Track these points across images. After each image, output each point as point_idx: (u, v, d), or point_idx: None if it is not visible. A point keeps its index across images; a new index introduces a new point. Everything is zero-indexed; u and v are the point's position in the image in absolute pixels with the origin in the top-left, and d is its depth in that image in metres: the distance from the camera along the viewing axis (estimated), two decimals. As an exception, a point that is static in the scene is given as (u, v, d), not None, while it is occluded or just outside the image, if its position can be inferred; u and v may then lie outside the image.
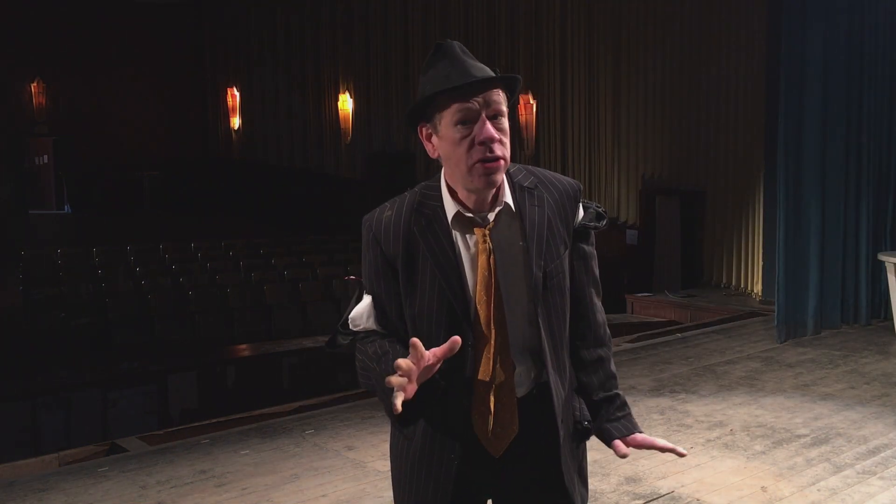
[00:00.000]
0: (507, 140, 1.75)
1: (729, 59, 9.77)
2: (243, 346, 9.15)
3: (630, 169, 11.10)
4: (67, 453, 4.98)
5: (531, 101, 12.26)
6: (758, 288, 9.32)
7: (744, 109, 9.65)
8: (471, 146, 1.70)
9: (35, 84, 18.81)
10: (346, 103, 16.47)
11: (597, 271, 1.95)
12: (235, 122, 20.10)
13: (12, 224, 16.85)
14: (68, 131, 19.29)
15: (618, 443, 1.90)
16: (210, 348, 9.02)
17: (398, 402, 1.55)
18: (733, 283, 9.92)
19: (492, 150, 1.70)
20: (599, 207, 1.94)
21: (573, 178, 1.97)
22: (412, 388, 1.59)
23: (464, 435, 1.82)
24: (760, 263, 9.25)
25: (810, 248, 7.28)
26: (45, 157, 20.28)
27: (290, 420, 5.29)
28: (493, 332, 1.78)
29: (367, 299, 1.87)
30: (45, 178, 20.35)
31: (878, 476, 4.13)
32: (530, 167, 1.90)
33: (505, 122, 1.75)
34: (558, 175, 1.91)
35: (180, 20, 20.57)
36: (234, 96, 20.05)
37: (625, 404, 1.96)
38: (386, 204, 1.88)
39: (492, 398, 1.80)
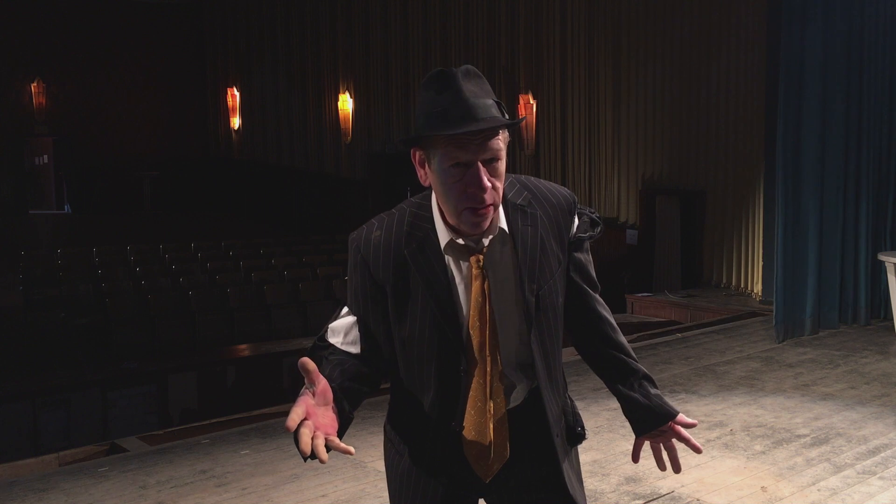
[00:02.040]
0: (500, 183, 1.69)
1: (729, 59, 9.77)
2: (243, 346, 9.15)
3: (630, 169, 11.10)
4: (67, 453, 4.97)
5: (531, 101, 12.26)
6: (758, 288, 9.31)
7: (744, 109, 9.65)
8: (462, 190, 1.66)
9: (35, 84, 18.83)
10: (346, 103, 16.48)
11: (593, 273, 1.93)
12: (235, 122, 20.11)
13: (12, 224, 16.85)
14: (68, 131, 19.31)
15: (677, 422, 1.90)
16: (210, 348, 9.02)
17: (321, 453, 1.53)
18: (733, 283, 9.92)
19: (482, 200, 1.66)
20: (594, 213, 1.91)
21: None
22: (321, 425, 1.57)
23: (454, 459, 1.81)
24: (760, 263, 9.24)
25: (809, 248, 7.28)
26: (45, 157, 20.31)
27: (290, 420, 5.28)
28: (487, 357, 1.76)
29: (350, 317, 1.82)
30: (45, 178, 20.38)
31: (878, 476, 4.13)
32: (524, 179, 1.86)
33: (501, 165, 1.69)
34: (552, 187, 1.87)
35: (180, 20, 20.59)
36: (234, 96, 20.06)
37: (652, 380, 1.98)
38: (374, 222, 1.82)
39: (490, 427, 1.78)
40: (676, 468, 1.92)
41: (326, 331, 1.82)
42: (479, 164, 1.65)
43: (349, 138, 16.54)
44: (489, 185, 1.65)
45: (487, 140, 1.65)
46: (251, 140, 19.67)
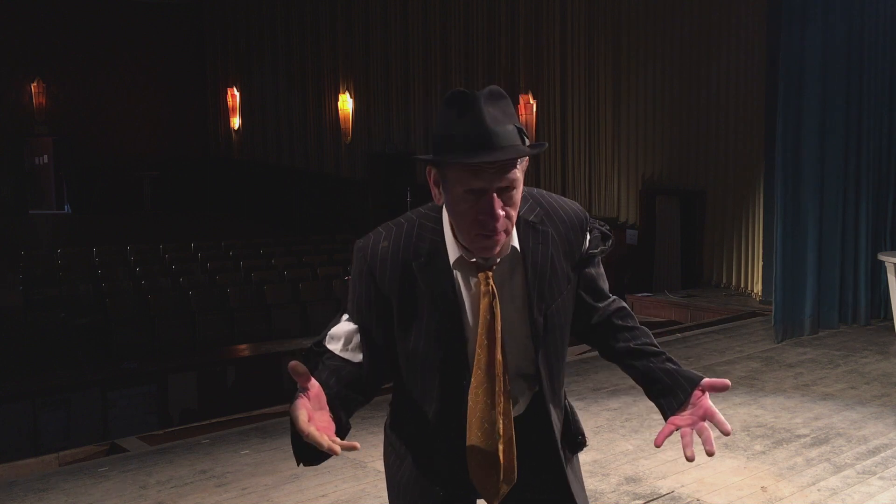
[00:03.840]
0: (514, 212, 1.66)
1: (729, 59, 9.77)
2: (243, 346, 9.15)
3: (630, 169, 11.10)
4: (67, 453, 4.97)
5: (531, 101, 12.26)
6: (758, 288, 9.31)
7: (744, 109, 9.65)
8: (475, 217, 1.63)
9: (35, 84, 18.82)
10: (346, 103, 16.48)
11: (604, 285, 1.91)
12: (235, 122, 20.10)
13: (12, 224, 16.85)
14: (68, 131, 19.31)
15: (703, 388, 1.76)
16: (210, 348, 9.02)
17: (336, 448, 1.51)
18: (733, 283, 9.92)
19: (494, 229, 1.63)
20: (604, 226, 1.89)
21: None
22: (321, 428, 1.54)
23: (454, 470, 1.80)
24: (760, 263, 9.24)
25: (808, 248, 7.28)
26: (45, 157, 20.31)
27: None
28: (497, 376, 1.73)
29: (350, 324, 1.78)
30: (45, 178, 20.37)
31: (878, 476, 4.13)
32: (536, 194, 1.83)
33: (516, 195, 1.65)
34: (564, 203, 1.85)
35: (180, 20, 20.58)
36: (234, 96, 20.05)
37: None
38: (381, 231, 1.79)
39: (500, 450, 1.75)
40: (710, 449, 1.73)
41: (325, 337, 1.79)
42: (493, 192, 1.61)
43: (349, 138, 16.54)
44: (501, 214, 1.62)
45: (504, 170, 1.61)
46: (251, 140, 19.66)
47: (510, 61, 12.66)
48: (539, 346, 1.77)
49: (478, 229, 1.64)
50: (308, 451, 1.61)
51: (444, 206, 1.74)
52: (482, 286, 1.71)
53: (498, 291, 1.72)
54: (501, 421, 1.75)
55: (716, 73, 9.90)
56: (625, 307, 1.93)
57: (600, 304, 1.90)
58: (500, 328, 1.72)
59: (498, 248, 1.68)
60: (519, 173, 1.64)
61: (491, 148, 1.58)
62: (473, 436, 1.75)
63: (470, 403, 1.74)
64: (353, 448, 1.54)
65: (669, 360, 1.84)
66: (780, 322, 7.17)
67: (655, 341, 1.89)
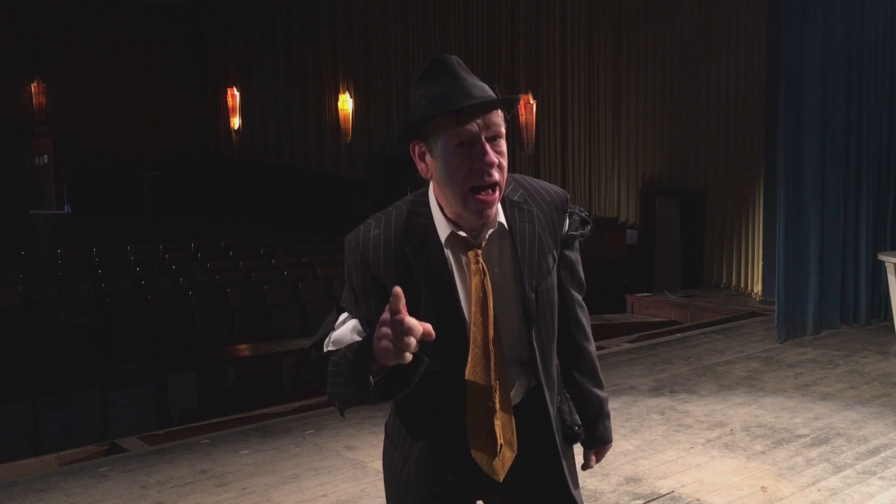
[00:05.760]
0: (504, 162, 1.70)
1: (729, 59, 9.77)
2: (243, 346, 9.15)
3: (630, 169, 11.10)
4: (67, 453, 4.98)
5: (531, 101, 12.26)
6: (758, 288, 9.31)
7: (744, 109, 9.65)
8: (469, 170, 1.66)
9: (35, 84, 18.83)
10: (346, 103, 16.48)
11: (581, 273, 1.96)
12: (235, 122, 20.11)
13: (12, 224, 16.86)
14: (68, 131, 19.32)
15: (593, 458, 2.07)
16: (210, 348, 9.02)
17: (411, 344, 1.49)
18: (733, 283, 9.92)
19: (490, 175, 1.66)
20: (583, 212, 1.93)
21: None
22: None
23: (459, 458, 1.80)
24: (760, 263, 9.24)
25: (810, 248, 7.28)
26: (45, 157, 20.33)
27: (290, 420, 5.29)
28: (491, 353, 1.75)
29: (350, 322, 1.74)
30: (45, 178, 20.39)
31: (878, 476, 4.13)
32: (518, 177, 1.86)
33: (503, 144, 1.70)
34: (545, 185, 1.89)
35: (180, 20, 20.59)
36: (234, 96, 20.06)
37: (605, 406, 2.07)
38: (370, 222, 1.80)
39: (499, 425, 1.76)
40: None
41: (326, 341, 1.74)
42: (484, 140, 1.66)
43: (349, 138, 16.55)
44: (496, 160, 1.67)
45: (490, 117, 1.67)
46: (251, 140, 19.67)
47: (510, 61, 12.67)
48: (532, 323, 1.78)
49: (474, 180, 1.67)
50: (395, 378, 1.60)
51: (430, 190, 1.77)
52: (472, 265, 1.73)
53: (488, 270, 1.74)
54: (498, 397, 1.76)
55: (716, 73, 9.90)
56: (585, 322, 2.01)
57: (576, 293, 1.96)
58: (492, 305, 1.74)
59: (493, 211, 1.71)
60: (503, 128, 1.70)
61: (473, 97, 1.66)
62: (474, 414, 1.77)
63: (469, 383, 1.76)
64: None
65: (600, 406, 2.04)
66: (783, 322, 7.17)
67: (597, 366, 2.04)
